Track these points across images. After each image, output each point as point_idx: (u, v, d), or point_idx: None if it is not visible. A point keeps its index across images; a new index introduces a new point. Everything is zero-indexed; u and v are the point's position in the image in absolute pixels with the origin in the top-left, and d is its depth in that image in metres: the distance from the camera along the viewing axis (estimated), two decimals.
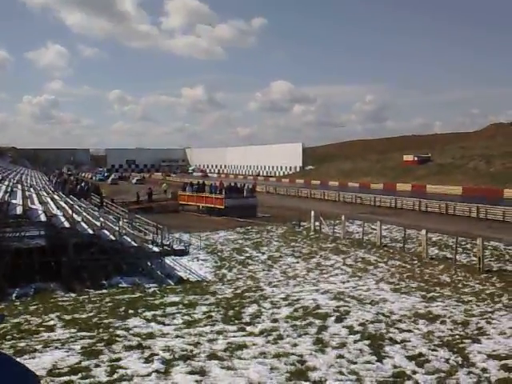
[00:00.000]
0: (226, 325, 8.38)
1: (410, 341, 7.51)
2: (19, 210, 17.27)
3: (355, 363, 6.41)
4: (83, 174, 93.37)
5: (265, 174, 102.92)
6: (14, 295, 12.84)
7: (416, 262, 17.41)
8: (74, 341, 7.23)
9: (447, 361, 6.63)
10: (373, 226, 23.99)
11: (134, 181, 77.64)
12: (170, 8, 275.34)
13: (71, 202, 26.56)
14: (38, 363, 6.00)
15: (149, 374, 5.72)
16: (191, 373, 5.80)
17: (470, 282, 14.00)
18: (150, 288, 13.40)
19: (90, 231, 16.54)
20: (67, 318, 9.09)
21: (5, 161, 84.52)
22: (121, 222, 21.47)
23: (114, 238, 16.64)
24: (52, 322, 8.68)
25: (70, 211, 19.26)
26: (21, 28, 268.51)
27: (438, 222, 28.22)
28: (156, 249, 17.91)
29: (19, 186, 29.56)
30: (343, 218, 24.34)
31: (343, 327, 8.23)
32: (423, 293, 12.23)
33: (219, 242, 24.33)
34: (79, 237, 15.47)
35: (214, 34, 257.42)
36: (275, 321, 8.72)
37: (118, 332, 7.77)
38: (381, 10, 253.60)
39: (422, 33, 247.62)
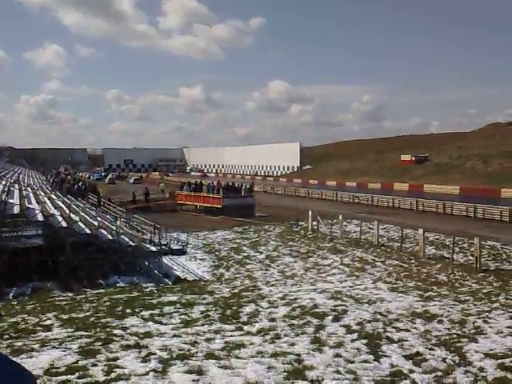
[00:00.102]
0: (224, 324, 8.38)
1: (407, 340, 7.52)
2: (16, 210, 17.24)
3: (352, 362, 6.42)
4: (80, 174, 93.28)
5: (262, 173, 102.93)
6: (11, 294, 12.82)
7: (413, 261, 17.43)
8: (72, 340, 7.22)
9: (444, 360, 6.64)
10: (370, 226, 24.01)
11: (131, 180, 77.55)
12: (168, 8, 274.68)
13: (68, 202, 26.53)
14: (35, 362, 5.99)
15: (146, 374, 5.71)
16: (188, 372, 5.80)
17: (467, 282, 14.03)
18: (147, 287, 13.40)
19: (88, 231, 16.53)
20: (64, 317, 9.07)
21: (2, 160, 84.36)
22: (118, 222, 21.45)
23: (111, 238, 16.63)
24: (49, 322, 8.67)
25: (67, 211, 19.24)
26: (18, 28, 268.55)
27: (435, 222, 28.27)
28: (153, 248, 17.89)
29: (16, 186, 29.50)
30: (341, 217, 24.36)
31: (340, 326, 8.23)
32: (420, 292, 12.24)
33: (217, 241, 24.32)
34: (76, 236, 15.45)
35: (211, 34, 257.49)
36: (273, 320, 8.72)
37: (116, 331, 7.77)
38: (378, 10, 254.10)
39: (419, 33, 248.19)
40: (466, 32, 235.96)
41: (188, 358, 6.35)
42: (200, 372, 5.80)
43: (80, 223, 17.88)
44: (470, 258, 17.17)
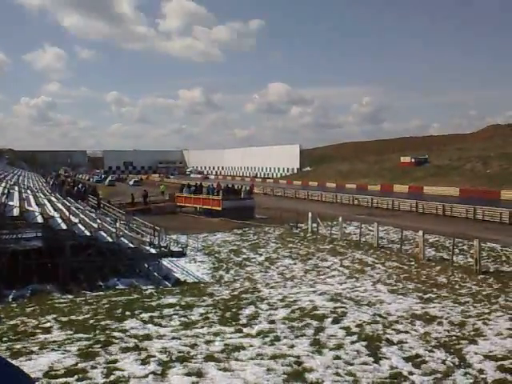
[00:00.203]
0: (223, 326, 8.37)
1: (406, 342, 7.52)
2: (16, 212, 17.22)
3: (352, 364, 6.42)
4: (80, 176, 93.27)
5: (262, 175, 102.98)
6: (11, 297, 12.81)
7: (413, 263, 17.42)
8: (71, 343, 7.22)
9: (444, 362, 6.64)
10: (370, 228, 24.01)
11: (131, 182, 77.53)
12: (167, 10, 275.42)
13: (68, 204, 26.52)
14: (34, 365, 5.99)
15: (145, 376, 5.71)
16: (188, 374, 5.80)
17: (466, 283, 14.02)
18: (146, 290, 13.39)
19: (87, 233, 16.52)
20: (64, 319, 9.07)
21: (2, 162, 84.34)
22: (118, 224, 21.46)
23: (111, 240, 16.61)
24: (48, 324, 8.66)
25: (67, 213, 19.22)
26: (18, 30, 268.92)
27: (434, 224, 28.27)
28: (153, 250, 17.88)
29: (16, 188, 29.49)
30: (340, 219, 24.36)
31: (340, 328, 8.23)
32: (420, 294, 12.24)
33: (216, 243, 24.31)
34: (76, 238, 15.43)
35: (211, 36, 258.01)
36: (272, 322, 8.72)
37: (115, 334, 7.76)
38: (378, 12, 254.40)
39: (419, 34, 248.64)
40: (466, 34, 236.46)
41: (187, 360, 6.35)
42: (199, 374, 5.80)
43: (80, 225, 17.86)
44: (470, 259, 17.16)
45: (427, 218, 33.03)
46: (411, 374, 6.16)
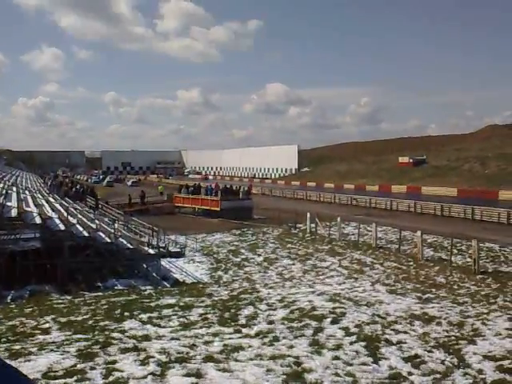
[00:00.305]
0: (222, 327, 8.37)
1: (405, 342, 7.53)
2: (14, 213, 17.19)
3: (351, 365, 6.42)
4: (78, 177, 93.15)
5: (260, 175, 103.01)
6: (9, 298, 12.78)
7: (411, 263, 17.44)
8: (70, 343, 7.21)
9: (443, 362, 6.65)
10: (368, 228, 24.03)
11: (129, 183, 77.45)
12: (165, 10, 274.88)
13: (66, 205, 26.49)
14: (33, 366, 5.97)
15: (144, 377, 5.70)
16: (187, 375, 5.80)
17: (465, 284, 14.03)
18: (145, 290, 13.38)
19: (86, 233, 16.49)
20: (62, 320, 9.06)
21: (0, 163, 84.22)
22: (116, 225, 21.42)
23: (109, 241, 16.59)
24: (47, 325, 8.65)
25: (65, 213, 19.21)
26: (15, 30, 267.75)
27: (433, 224, 28.31)
28: (152, 251, 17.87)
29: (14, 189, 29.45)
30: (339, 219, 24.37)
31: (339, 329, 8.24)
32: (419, 294, 12.25)
33: (215, 244, 24.31)
34: (74, 239, 15.41)
35: (209, 37, 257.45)
36: (271, 323, 8.72)
37: (114, 334, 7.75)
38: (376, 13, 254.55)
39: (417, 35, 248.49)
40: (464, 34, 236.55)
41: (186, 361, 6.34)
42: (198, 375, 5.80)
43: (78, 226, 17.84)
44: (468, 260, 17.18)
45: (425, 218, 33.08)
46: (410, 374, 6.17)
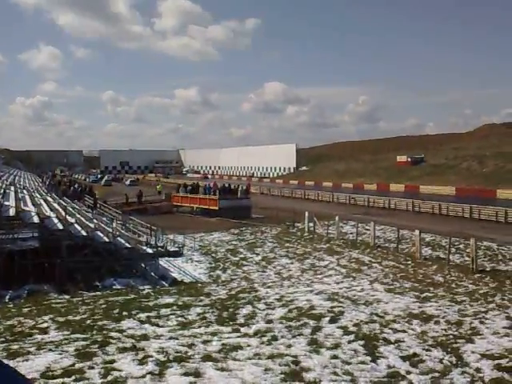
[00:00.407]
0: (221, 326, 8.37)
1: (404, 341, 7.53)
2: (12, 212, 17.14)
3: (349, 364, 6.43)
4: (76, 176, 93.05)
5: (259, 175, 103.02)
6: (7, 297, 12.77)
7: (410, 262, 17.46)
8: (68, 343, 7.20)
9: (441, 361, 6.66)
10: (366, 227, 24.04)
11: (127, 182, 77.38)
12: (163, 9, 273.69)
13: (64, 204, 26.46)
14: (31, 366, 5.97)
15: (143, 376, 5.70)
16: (185, 374, 5.80)
17: (463, 282, 14.06)
18: (143, 289, 13.38)
19: (84, 233, 16.47)
20: (61, 320, 9.05)
21: None
22: (114, 224, 21.41)
23: (107, 240, 16.57)
24: (45, 324, 8.64)
25: (63, 213, 19.17)
26: (13, 29, 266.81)
27: (431, 223, 28.34)
28: (150, 250, 17.85)
29: (12, 188, 29.40)
30: (337, 218, 24.39)
31: (337, 328, 8.24)
32: (417, 293, 12.26)
33: (213, 243, 24.31)
34: (73, 238, 15.39)
35: (207, 35, 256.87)
36: (269, 322, 8.73)
37: (112, 334, 7.75)
38: (374, 12, 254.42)
39: (414, 34, 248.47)
40: (462, 33, 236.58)
41: (185, 360, 6.35)
42: (197, 374, 5.80)
43: (76, 225, 17.81)
44: (466, 258, 17.21)
45: (423, 217, 33.11)
46: (408, 373, 6.17)
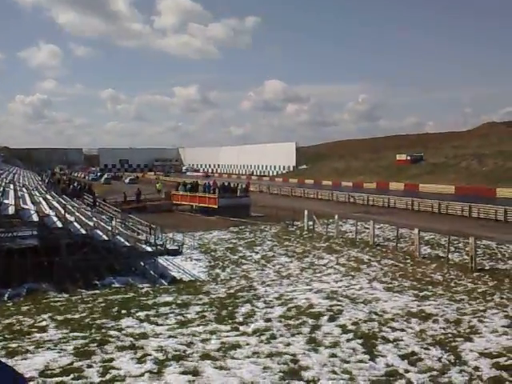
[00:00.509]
0: (219, 324, 8.38)
1: (402, 340, 7.54)
2: (11, 210, 17.16)
3: (348, 362, 6.43)
4: (76, 174, 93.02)
5: (258, 173, 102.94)
6: (6, 296, 12.77)
7: (409, 260, 17.47)
8: (67, 341, 7.21)
9: (440, 359, 6.67)
10: (366, 225, 24.05)
11: (127, 180, 77.33)
12: (163, 7, 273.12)
13: (64, 202, 26.47)
14: (30, 364, 5.97)
15: (141, 375, 5.71)
16: (184, 373, 5.80)
17: (462, 281, 14.07)
18: (142, 288, 13.38)
19: (83, 231, 16.48)
20: (60, 318, 9.05)
21: None
22: (114, 222, 21.43)
23: (106, 238, 16.58)
24: (44, 323, 8.65)
25: (62, 211, 19.18)
26: (13, 27, 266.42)
27: (430, 221, 28.35)
28: (149, 248, 17.86)
29: (11, 186, 29.41)
30: (336, 217, 24.40)
31: (336, 326, 8.25)
32: (416, 292, 12.27)
33: (213, 241, 24.31)
34: (72, 237, 15.39)
35: (207, 33, 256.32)
36: (268, 320, 8.73)
37: (111, 332, 7.76)
38: (375, 10, 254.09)
39: (415, 32, 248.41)
40: (462, 31, 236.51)
41: (183, 358, 6.35)
42: (196, 373, 5.80)
43: (75, 224, 17.82)
44: (465, 257, 17.22)
45: (423, 215, 33.12)
46: (407, 371, 6.18)
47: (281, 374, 5.84)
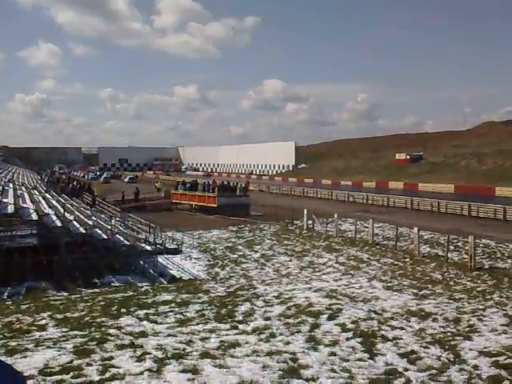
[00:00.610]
0: (219, 323, 8.37)
1: (401, 338, 7.54)
2: (11, 209, 17.15)
3: (347, 361, 6.43)
4: (75, 173, 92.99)
5: (258, 172, 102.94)
6: (6, 294, 12.76)
7: (408, 259, 17.49)
8: (66, 340, 7.20)
9: (439, 358, 6.67)
10: (365, 224, 24.07)
11: (126, 179, 77.37)
12: (162, 6, 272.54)
13: (63, 201, 26.46)
14: (29, 362, 5.97)
15: (141, 373, 5.70)
16: (183, 371, 5.79)
17: (461, 280, 14.08)
18: (142, 287, 13.38)
19: (82, 230, 16.48)
20: (59, 316, 9.05)
21: None
22: (113, 221, 21.42)
23: (106, 237, 16.59)
24: (44, 321, 8.64)
25: (62, 210, 19.18)
26: (12, 26, 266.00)
27: (429, 220, 28.37)
28: (149, 247, 17.88)
29: (11, 185, 29.39)
30: (336, 216, 24.42)
31: (335, 325, 8.25)
32: (415, 290, 12.29)
33: (212, 240, 24.32)
34: (71, 236, 15.39)
35: (206, 33, 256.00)
36: (268, 319, 8.73)
37: (110, 331, 7.75)
38: (374, 10, 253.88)
39: (414, 31, 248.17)
40: (461, 31, 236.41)
41: (183, 357, 6.35)
42: (195, 371, 5.80)
43: (75, 222, 17.82)
44: (465, 256, 17.24)
45: (422, 214, 33.15)
46: (406, 370, 6.18)
47: (280, 373, 5.83)
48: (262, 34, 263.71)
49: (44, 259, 14.61)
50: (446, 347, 7.13)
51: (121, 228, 21.16)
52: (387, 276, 14.91)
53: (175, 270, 17.58)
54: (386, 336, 7.62)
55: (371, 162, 76.66)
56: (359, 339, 7.38)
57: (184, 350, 6.69)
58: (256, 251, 20.96)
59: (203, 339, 7.30)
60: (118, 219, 24.47)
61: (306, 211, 26.47)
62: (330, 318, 8.76)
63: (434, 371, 6.15)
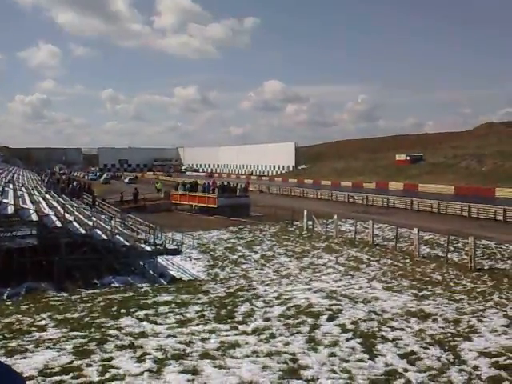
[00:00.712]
0: (219, 324, 8.37)
1: (401, 339, 7.54)
2: (11, 210, 17.13)
3: (347, 361, 6.43)
4: (75, 174, 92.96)
5: (258, 173, 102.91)
6: (6, 295, 12.75)
7: (408, 260, 17.48)
8: (66, 340, 7.20)
9: (439, 359, 6.67)
10: (365, 225, 24.05)
11: (126, 180, 77.34)
12: (162, 7, 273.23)
13: (63, 202, 26.45)
14: (29, 363, 5.97)
15: (141, 374, 5.70)
16: (183, 372, 5.79)
17: (461, 281, 14.08)
18: (142, 287, 13.37)
19: (82, 231, 16.46)
20: (59, 317, 9.05)
21: None
22: (113, 222, 21.41)
23: (106, 238, 16.57)
24: (44, 322, 8.64)
25: (61, 211, 19.16)
26: (12, 27, 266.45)
27: (429, 221, 28.36)
28: (148, 248, 17.86)
29: (11, 186, 29.36)
30: (336, 217, 24.41)
31: (335, 326, 8.25)
32: (415, 291, 12.28)
33: (212, 241, 24.31)
34: (71, 236, 15.37)
35: (206, 34, 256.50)
36: (268, 319, 8.73)
37: (110, 331, 7.75)
38: (373, 10, 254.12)
39: (414, 33, 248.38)
40: (461, 32, 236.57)
41: (183, 357, 6.34)
42: (195, 372, 5.79)
43: (75, 223, 17.81)
44: (465, 257, 17.24)
45: (422, 215, 33.14)
46: (406, 370, 6.18)
47: (280, 373, 5.83)
48: (262, 35, 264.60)
49: (44, 260, 14.60)
50: (446, 348, 7.13)
51: (121, 229, 21.15)
52: (387, 277, 14.90)
53: (175, 271, 17.57)
54: (386, 337, 7.62)
55: (371, 163, 76.64)
56: (359, 340, 7.38)
57: (184, 350, 6.69)
58: (256, 252, 20.96)
59: (203, 340, 7.29)
60: (117, 220, 24.46)
61: (305, 212, 26.46)
62: (330, 318, 8.75)
63: (433, 372, 6.15)
